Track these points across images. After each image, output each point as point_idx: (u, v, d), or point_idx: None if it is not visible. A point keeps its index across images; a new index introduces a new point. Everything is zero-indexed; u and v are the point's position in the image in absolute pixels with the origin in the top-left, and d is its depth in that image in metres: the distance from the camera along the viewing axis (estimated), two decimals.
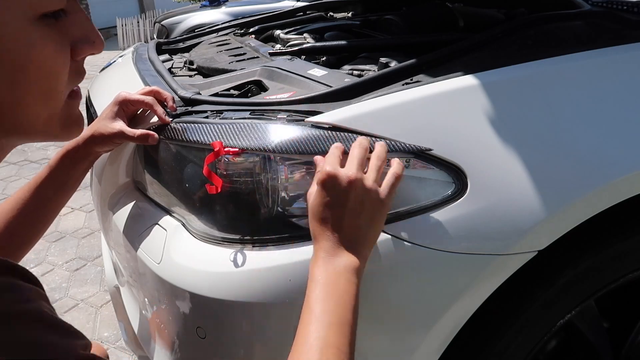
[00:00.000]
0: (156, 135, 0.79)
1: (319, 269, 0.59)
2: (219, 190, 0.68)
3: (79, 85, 0.52)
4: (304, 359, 0.52)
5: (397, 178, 0.64)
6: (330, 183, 0.61)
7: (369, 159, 0.65)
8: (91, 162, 0.84)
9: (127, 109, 0.83)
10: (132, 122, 0.84)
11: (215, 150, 0.69)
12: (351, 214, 0.61)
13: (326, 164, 0.63)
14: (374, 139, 0.68)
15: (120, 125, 0.80)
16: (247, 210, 0.72)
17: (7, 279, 0.42)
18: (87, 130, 0.81)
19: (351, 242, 0.60)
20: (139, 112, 0.86)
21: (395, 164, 0.65)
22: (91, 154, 0.82)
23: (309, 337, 0.54)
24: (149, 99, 0.82)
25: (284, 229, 0.70)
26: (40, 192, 0.80)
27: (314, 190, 0.64)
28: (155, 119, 0.82)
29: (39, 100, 0.47)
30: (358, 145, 0.65)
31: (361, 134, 0.69)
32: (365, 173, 0.63)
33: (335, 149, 0.65)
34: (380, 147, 0.66)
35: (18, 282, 0.43)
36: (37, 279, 0.46)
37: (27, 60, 0.45)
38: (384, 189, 0.63)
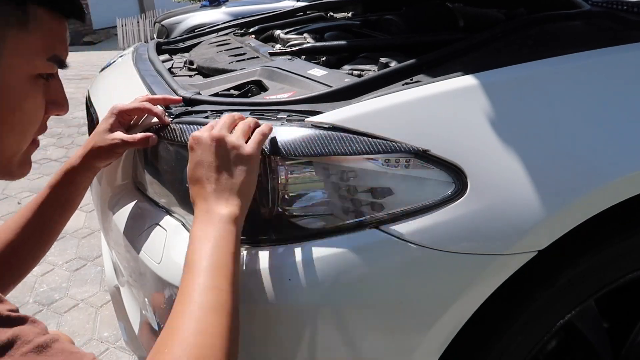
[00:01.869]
0: (155, 135, 0.79)
1: (197, 226, 0.63)
2: None
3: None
4: (187, 301, 0.56)
5: (264, 135, 0.69)
6: (196, 145, 0.67)
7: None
8: (91, 178, 0.84)
9: (123, 120, 0.83)
10: (129, 131, 0.85)
11: None
12: (219, 170, 0.65)
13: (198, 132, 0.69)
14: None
15: (119, 135, 0.80)
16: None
17: None
18: (85, 146, 0.82)
19: (225, 196, 0.64)
20: (132, 121, 0.86)
21: (264, 125, 0.70)
22: (91, 169, 0.82)
23: (191, 283, 0.58)
24: (144, 103, 0.83)
25: (284, 229, 0.70)
26: (42, 211, 0.81)
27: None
28: (154, 120, 0.82)
29: (14, 139, 0.62)
30: (227, 115, 0.71)
31: (361, 134, 0.69)
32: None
33: (227, 117, 0.71)
34: (248, 118, 0.72)
35: None
36: None
37: (19, 107, 0.59)
38: (249, 143, 0.67)
